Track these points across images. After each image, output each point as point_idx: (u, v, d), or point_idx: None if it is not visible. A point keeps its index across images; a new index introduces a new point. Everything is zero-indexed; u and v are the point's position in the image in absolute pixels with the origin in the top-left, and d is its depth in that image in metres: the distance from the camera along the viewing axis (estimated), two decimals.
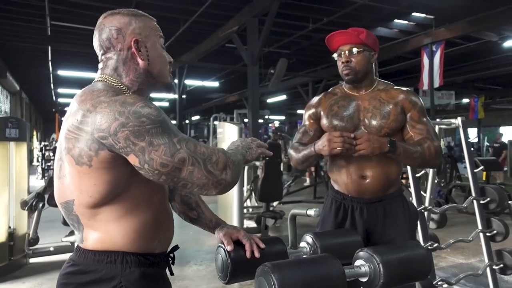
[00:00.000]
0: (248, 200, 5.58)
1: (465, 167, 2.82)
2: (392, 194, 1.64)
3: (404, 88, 1.67)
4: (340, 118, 1.61)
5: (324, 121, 1.66)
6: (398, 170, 1.64)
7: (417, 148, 1.52)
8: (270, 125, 15.76)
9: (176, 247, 1.10)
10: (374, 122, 1.57)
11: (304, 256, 1.28)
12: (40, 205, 3.51)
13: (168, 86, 1.03)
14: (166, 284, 1.05)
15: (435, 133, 1.62)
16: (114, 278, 0.88)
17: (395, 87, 1.67)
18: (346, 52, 1.60)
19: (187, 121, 19.70)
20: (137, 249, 0.92)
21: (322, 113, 1.68)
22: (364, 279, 1.06)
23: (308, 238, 1.31)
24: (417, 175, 2.79)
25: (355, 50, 1.58)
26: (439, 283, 2.50)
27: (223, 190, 0.89)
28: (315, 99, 1.75)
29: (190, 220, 1.22)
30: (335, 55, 1.66)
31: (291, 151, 1.70)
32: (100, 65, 0.97)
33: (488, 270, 2.65)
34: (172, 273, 1.09)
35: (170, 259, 1.06)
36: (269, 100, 16.48)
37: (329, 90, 1.77)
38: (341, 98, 1.67)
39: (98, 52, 0.97)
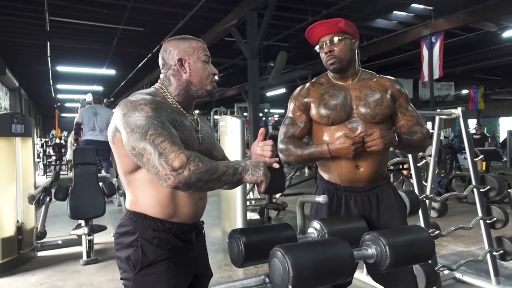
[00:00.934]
0: (251, 193, 5.65)
1: (465, 158, 2.86)
2: (382, 182, 1.68)
3: (388, 77, 1.72)
4: (333, 107, 1.60)
5: (315, 111, 1.63)
6: (387, 159, 1.75)
7: (415, 137, 1.60)
8: (270, 118, 15.77)
9: (201, 222, 1.30)
10: (368, 110, 1.59)
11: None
12: (47, 199, 3.56)
13: (210, 92, 1.29)
14: (184, 252, 1.20)
15: (421, 118, 1.70)
16: (135, 233, 1.15)
17: (379, 75, 1.72)
18: (328, 42, 1.62)
19: None
20: (154, 214, 1.16)
21: (312, 103, 1.65)
22: (371, 261, 1.11)
23: (316, 224, 1.37)
24: (418, 164, 2.84)
25: (336, 39, 1.60)
26: (440, 269, 2.57)
27: (175, 185, 1.00)
28: (303, 89, 1.71)
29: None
30: (317, 48, 1.68)
31: (284, 146, 1.62)
32: (161, 76, 1.28)
33: (488, 256, 2.72)
34: (191, 243, 1.23)
35: (198, 232, 1.27)
36: (269, 94, 16.48)
37: (313, 80, 1.75)
38: (330, 87, 1.66)
39: (161, 67, 1.29)
